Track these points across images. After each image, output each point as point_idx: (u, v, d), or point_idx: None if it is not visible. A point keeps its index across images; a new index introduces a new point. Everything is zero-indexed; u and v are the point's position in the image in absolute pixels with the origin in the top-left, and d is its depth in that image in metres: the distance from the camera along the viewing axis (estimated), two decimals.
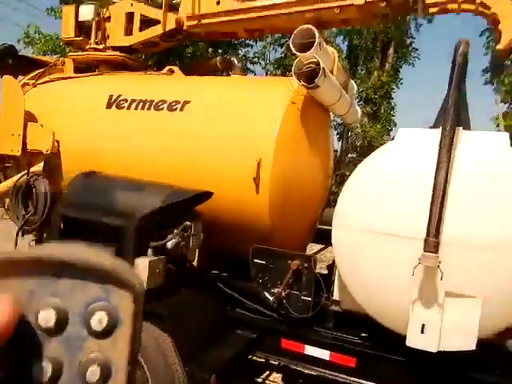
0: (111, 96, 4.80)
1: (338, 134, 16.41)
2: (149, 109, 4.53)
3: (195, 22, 4.91)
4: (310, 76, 3.74)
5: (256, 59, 14.06)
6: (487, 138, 3.24)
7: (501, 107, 14.11)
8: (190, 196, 3.90)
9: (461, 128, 3.20)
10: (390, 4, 4.18)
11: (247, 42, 12.98)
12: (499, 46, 3.77)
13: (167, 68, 5.10)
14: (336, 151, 18.25)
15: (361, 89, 16.95)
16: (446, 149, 3.03)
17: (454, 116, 3.09)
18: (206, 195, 3.99)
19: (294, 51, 3.78)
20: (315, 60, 3.70)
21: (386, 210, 3.28)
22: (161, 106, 4.48)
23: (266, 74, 14.57)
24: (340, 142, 17.54)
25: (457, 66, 3.16)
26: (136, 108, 4.61)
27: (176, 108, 4.40)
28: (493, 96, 14.02)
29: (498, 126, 14.10)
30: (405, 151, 3.40)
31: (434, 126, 3.47)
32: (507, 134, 3.27)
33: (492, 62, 14.56)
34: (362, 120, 16.46)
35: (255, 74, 13.96)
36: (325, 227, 4.49)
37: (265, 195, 3.99)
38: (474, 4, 3.91)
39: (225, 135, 4.16)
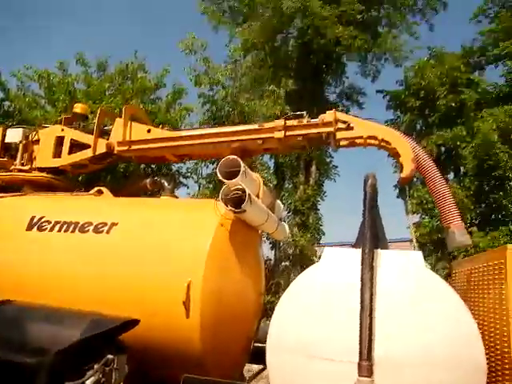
0: (33, 217, 4.59)
1: (270, 243, 16.77)
2: (73, 231, 4.37)
3: (126, 148, 5.10)
4: (237, 201, 3.92)
5: (189, 174, 14.56)
6: (402, 257, 3.48)
7: (413, 218, 15.57)
8: (113, 325, 3.61)
9: (378, 250, 3.43)
10: (305, 138, 4.72)
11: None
12: (402, 175, 4.36)
13: (96, 189, 5.07)
14: (270, 260, 18.39)
15: (289, 201, 17.93)
16: (367, 271, 3.19)
17: (370, 241, 3.32)
18: (132, 323, 3.73)
19: (221, 179, 4.00)
20: (241, 187, 3.91)
21: (316, 331, 3.27)
22: (86, 228, 4.34)
23: (199, 188, 15.00)
24: (273, 251, 17.83)
25: (368, 196, 3.50)
26: (59, 230, 4.42)
27: (102, 230, 4.28)
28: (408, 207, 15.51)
29: (413, 233, 15.37)
30: (330, 272, 3.52)
31: (356, 245, 3.70)
32: (420, 253, 3.56)
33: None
34: (293, 230, 17.07)
35: (188, 188, 14.33)
36: (262, 345, 4.31)
37: (195, 319, 3.81)
38: (377, 140, 4.57)
39: (153, 258, 4.06)
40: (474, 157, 13.87)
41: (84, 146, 5.31)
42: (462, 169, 14.80)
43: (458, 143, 14.34)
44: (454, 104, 14.64)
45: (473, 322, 3.19)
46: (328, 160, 19.10)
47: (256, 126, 4.89)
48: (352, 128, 4.61)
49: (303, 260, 16.50)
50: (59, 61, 12.59)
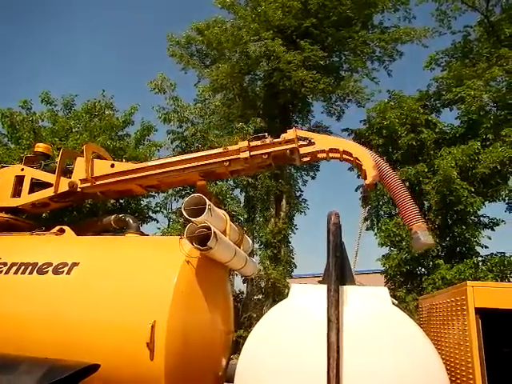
0: None
1: (242, 276, 16.57)
2: (31, 273, 4.15)
3: (89, 184, 5.01)
4: (203, 238, 3.87)
5: (158, 208, 14.41)
6: (368, 294, 3.50)
7: (381, 250, 15.90)
8: (72, 372, 3.42)
9: (344, 287, 3.44)
10: (270, 156, 4.84)
11: (150, 193, 13.44)
12: (366, 182, 4.49)
13: (57, 227, 4.89)
14: (242, 293, 18.14)
15: (260, 234, 17.98)
16: (333, 310, 3.17)
17: (335, 280, 3.31)
18: (92, 368, 3.54)
19: (187, 216, 3.96)
20: (206, 225, 3.88)
21: (283, 370, 3.21)
22: (45, 270, 4.14)
23: (169, 222, 14.81)
24: (245, 285, 17.64)
25: (331, 235, 3.53)
26: (16, 272, 4.19)
27: (63, 271, 4.10)
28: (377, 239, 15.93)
29: (383, 265, 15.64)
30: (297, 309, 3.49)
31: (323, 281, 3.69)
32: (386, 289, 3.58)
33: (369, 214, 16.93)
34: (265, 263, 17.00)
35: (157, 222, 14.14)
36: None
37: (160, 361, 3.65)
38: (338, 152, 4.74)
39: (116, 299, 3.90)
40: (437, 192, 14.40)
41: (45, 186, 5.17)
42: (425, 203, 15.29)
43: (421, 179, 14.90)
44: (414, 143, 15.34)
45: (439, 360, 3.21)
46: (298, 194, 19.43)
47: (221, 150, 4.97)
48: (313, 143, 4.81)
49: (276, 293, 16.37)
50: (22, 100, 12.45)
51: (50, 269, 4.15)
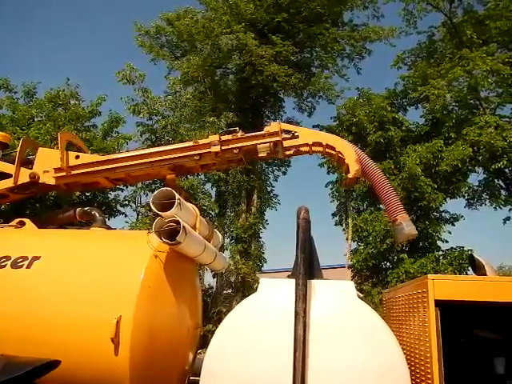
0: None
1: (212, 271, 16.50)
2: None
3: (64, 174, 4.82)
4: (172, 232, 3.80)
5: (127, 202, 14.10)
6: (335, 288, 3.56)
7: (351, 245, 16.25)
8: (29, 369, 3.30)
9: (312, 281, 3.47)
10: (241, 150, 4.77)
11: (117, 186, 13.09)
12: (349, 175, 4.50)
13: (17, 220, 4.70)
14: (212, 288, 18.09)
15: (231, 229, 17.96)
16: (301, 304, 3.19)
17: (303, 274, 3.34)
18: (52, 364, 3.43)
19: (155, 211, 3.88)
20: (175, 219, 3.81)
21: (250, 364, 3.22)
22: (3, 263, 3.98)
23: (138, 216, 14.53)
24: (215, 279, 17.59)
25: (300, 230, 3.54)
26: None
27: (22, 265, 3.94)
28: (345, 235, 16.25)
29: (351, 260, 15.99)
30: (265, 304, 3.51)
31: (292, 275, 3.72)
32: (352, 283, 3.65)
33: (338, 209, 17.30)
34: (235, 257, 17.01)
35: (126, 216, 13.86)
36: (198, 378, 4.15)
37: (125, 357, 3.58)
38: (321, 146, 4.72)
39: (80, 294, 3.80)
40: (402, 188, 14.80)
41: (4, 176, 4.94)
42: None
43: (387, 176, 15.28)
44: (382, 140, 15.70)
45: (400, 353, 3.30)
46: (269, 189, 19.50)
47: (191, 144, 4.88)
48: (297, 136, 4.77)
49: (245, 287, 16.42)
50: None
51: (9, 262, 3.99)
